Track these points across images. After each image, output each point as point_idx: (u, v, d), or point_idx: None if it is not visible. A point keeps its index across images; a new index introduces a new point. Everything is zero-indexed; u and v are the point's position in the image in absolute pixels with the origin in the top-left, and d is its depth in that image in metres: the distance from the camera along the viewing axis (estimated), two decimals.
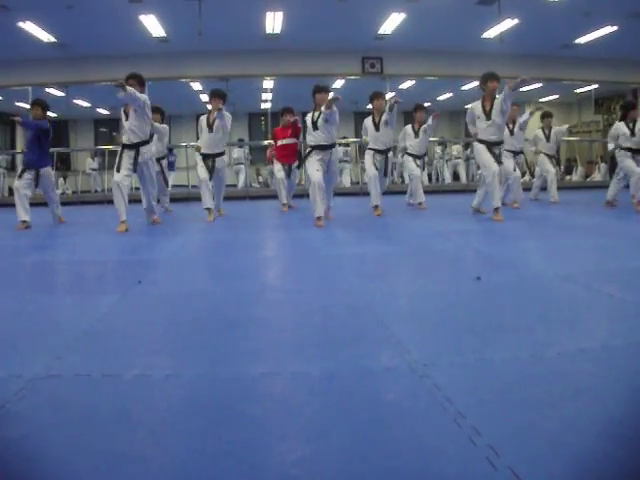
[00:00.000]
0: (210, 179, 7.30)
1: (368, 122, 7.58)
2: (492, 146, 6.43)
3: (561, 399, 1.60)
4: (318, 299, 2.98)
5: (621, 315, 2.55)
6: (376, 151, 7.46)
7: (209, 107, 7.38)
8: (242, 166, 15.30)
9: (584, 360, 1.92)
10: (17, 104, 15.85)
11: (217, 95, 7.19)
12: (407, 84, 15.28)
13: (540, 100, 16.54)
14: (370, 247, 4.78)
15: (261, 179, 17.85)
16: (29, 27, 10.94)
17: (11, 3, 9.74)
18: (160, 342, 2.32)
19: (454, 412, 1.51)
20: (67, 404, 1.66)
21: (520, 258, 4.11)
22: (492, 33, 12.34)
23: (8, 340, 2.30)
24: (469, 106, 6.67)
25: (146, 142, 6.32)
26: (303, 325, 2.50)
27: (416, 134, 8.38)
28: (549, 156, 8.95)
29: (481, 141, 6.50)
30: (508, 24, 11.72)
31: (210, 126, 7.30)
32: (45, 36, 11.49)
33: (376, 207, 7.29)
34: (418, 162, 8.51)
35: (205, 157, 7.37)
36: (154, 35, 11.98)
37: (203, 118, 7.41)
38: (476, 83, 15.82)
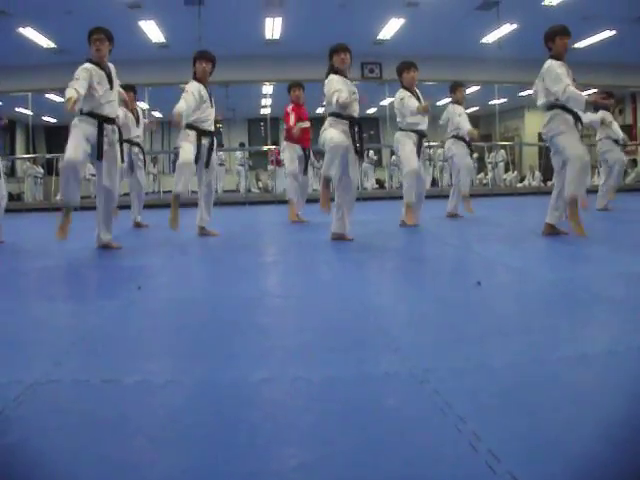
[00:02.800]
0: (197, 162, 5.67)
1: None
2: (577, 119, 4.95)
3: (562, 404, 1.60)
4: (318, 304, 2.98)
5: (622, 319, 2.54)
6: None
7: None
8: (242, 168, 15.35)
9: (585, 365, 1.91)
10: (17, 110, 15.92)
11: (206, 57, 5.75)
12: None
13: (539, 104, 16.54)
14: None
15: (261, 184, 17.89)
16: (29, 33, 11.01)
17: (11, 9, 9.81)
18: (160, 348, 2.32)
19: (454, 417, 1.50)
20: (66, 410, 1.65)
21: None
22: (491, 38, 12.42)
23: (8, 346, 2.29)
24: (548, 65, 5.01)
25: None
26: (303, 330, 2.50)
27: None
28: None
29: (565, 109, 4.92)
30: (507, 29, 11.79)
31: (211, 100, 5.81)
32: (45, 42, 11.56)
33: (410, 209, 6.02)
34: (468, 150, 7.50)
35: (202, 134, 5.74)
36: (154, 41, 12.06)
37: (198, 87, 5.63)
38: (475, 88, 15.93)
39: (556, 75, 4.81)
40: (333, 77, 5.08)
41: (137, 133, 7.29)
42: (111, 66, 4.93)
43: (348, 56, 5.13)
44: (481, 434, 1.40)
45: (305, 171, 7.57)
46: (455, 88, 7.66)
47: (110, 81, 4.83)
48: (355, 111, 5.14)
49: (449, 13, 10.77)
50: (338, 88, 4.95)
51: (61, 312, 2.97)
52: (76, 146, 4.64)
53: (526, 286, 3.31)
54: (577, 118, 4.90)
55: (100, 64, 4.79)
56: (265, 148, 14.30)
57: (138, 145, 7.36)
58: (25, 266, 4.58)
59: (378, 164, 18.43)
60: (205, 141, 5.75)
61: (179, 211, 5.55)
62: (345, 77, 5.14)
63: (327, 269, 4.05)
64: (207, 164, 5.83)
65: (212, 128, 5.85)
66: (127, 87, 6.79)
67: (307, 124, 7.47)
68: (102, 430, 1.51)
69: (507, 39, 12.06)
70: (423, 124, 6.17)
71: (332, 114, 5.08)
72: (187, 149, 5.65)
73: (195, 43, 10.67)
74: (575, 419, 1.49)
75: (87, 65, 4.72)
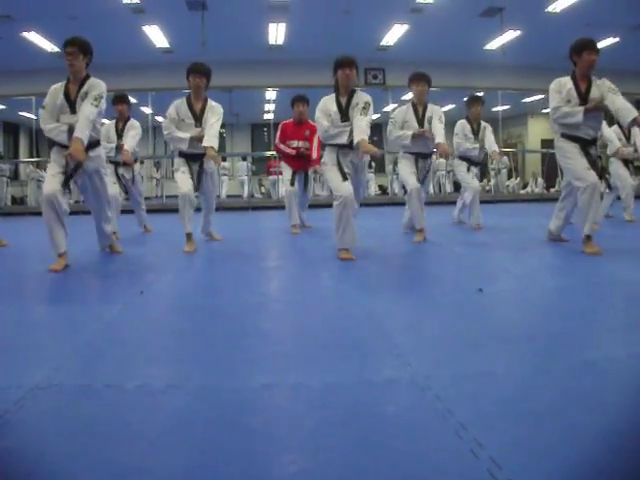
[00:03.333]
0: (197, 190, 5.34)
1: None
2: (588, 145, 4.55)
3: (563, 411, 1.59)
4: (320, 310, 2.98)
5: (624, 326, 2.53)
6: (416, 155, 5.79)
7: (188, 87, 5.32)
8: (245, 178, 15.44)
9: (586, 372, 1.90)
10: (21, 114, 15.97)
11: (200, 71, 5.20)
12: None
13: (542, 111, 16.55)
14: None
15: (263, 190, 17.92)
16: (33, 37, 11.05)
17: (15, 13, 9.85)
18: (161, 353, 2.32)
19: (455, 424, 1.50)
20: (67, 414, 1.65)
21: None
22: (494, 45, 12.42)
23: (9, 350, 2.29)
24: (555, 83, 4.77)
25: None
26: (304, 336, 2.49)
27: (475, 134, 6.70)
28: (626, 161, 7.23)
29: (571, 138, 4.58)
30: (510, 36, 11.79)
31: (198, 117, 5.25)
32: (49, 46, 11.59)
33: (421, 231, 5.65)
34: (475, 170, 6.83)
35: (190, 158, 5.27)
36: (158, 46, 12.10)
37: (181, 106, 5.30)
38: (479, 94, 15.94)
39: (550, 96, 4.63)
40: (319, 105, 4.67)
41: (117, 144, 6.36)
42: (90, 83, 4.31)
43: (354, 72, 4.63)
44: (482, 441, 1.39)
45: (305, 188, 7.02)
46: (469, 103, 6.88)
47: (71, 104, 4.23)
48: (343, 139, 4.54)
49: (453, 19, 10.78)
50: (321, 124, 4.59)
51: (63, 316, 2.96)
52: (52, 178, 4.18)
53: (528, 293, 3.30)
54: (585, 140, 4.52)
55: (68, 82, 4.31)
56: (268, 154, 14.28)
57: (122, 164, 6.49)
58: (27, 269, 4.58)
59: (381, 170, 18.42)
60: (194, 166, 5.28)
61: (194, 241, 5.24)
62: (342, 93, 4.64)
63: (329, 275, 4.04)
64: (197, 188, 5.32)
65: (201, 150, 5.04)
66: (120, 98, 6.50)
67: (293, 150, 6.73)
68: (103, 434, 1.51)
69: (511, 46, 12.07)
70: (418, 147, 5.72)
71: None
72: (179, 181, 5.24)
73: (199, 48, 10.72)
74: (576, 426, 1.49)
75: (54, 87, 4.32)
